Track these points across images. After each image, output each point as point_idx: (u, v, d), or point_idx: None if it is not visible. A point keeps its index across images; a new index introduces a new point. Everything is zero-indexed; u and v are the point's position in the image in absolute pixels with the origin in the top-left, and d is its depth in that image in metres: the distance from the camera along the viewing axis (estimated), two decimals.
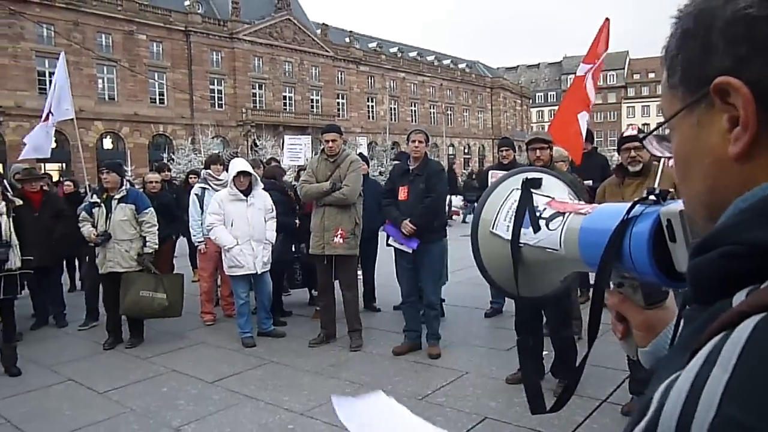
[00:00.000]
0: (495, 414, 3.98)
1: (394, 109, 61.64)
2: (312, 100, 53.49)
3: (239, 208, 5.89)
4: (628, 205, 0.74)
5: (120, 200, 5.93)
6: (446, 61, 73.73)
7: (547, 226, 0.90)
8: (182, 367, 5.26)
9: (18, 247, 5.21)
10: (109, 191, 5.98)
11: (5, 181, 6.51)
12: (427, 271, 5.31)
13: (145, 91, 42.04)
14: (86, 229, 5.92)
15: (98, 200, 5.99)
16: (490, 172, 6.29)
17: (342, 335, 5.84)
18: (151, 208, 6.14)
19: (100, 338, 6.24)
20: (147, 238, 6.00)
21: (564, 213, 0.89)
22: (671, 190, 0.73)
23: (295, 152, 9.81)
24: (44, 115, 7.77)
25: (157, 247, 6.13)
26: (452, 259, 6.49)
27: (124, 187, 6.03)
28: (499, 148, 6.51)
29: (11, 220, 5.19)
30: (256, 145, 38.95)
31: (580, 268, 0.89)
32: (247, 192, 5.91)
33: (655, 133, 0.69)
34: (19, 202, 5.49)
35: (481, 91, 75.23)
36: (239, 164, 6.05)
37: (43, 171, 8.01)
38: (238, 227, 5.84)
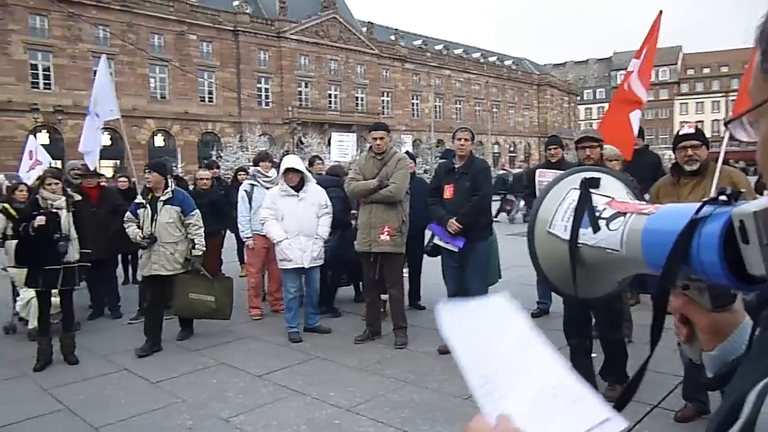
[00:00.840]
0: None
1: (439, 106, 61.38)
2: (357, 98, 53.77)
3: (290, 203, 5.98)
4: (695, 205, 0.72)
5: (166, 202, 5.82)
6: (492, 58, 72.95)
7: (607, 226, 0.89)
8: (231, 360, 5.38)
9: (77, 240, 5.42)
10: (153, 192, 5.87)
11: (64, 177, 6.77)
12: (473, 270, 5.28)
13: (195, 89, 43.08)
14: (131, 231, 5.81)
15: (143, 201, 5.88)
16: (537, 171, 6.21)
17: (387, 332, 5.87)
18: (197, 210, 6.01)
19: None
20: (195, 241, 5.89)
21: (625, 213, 0.88)
22: (743, 190, 0.71)
23: (343, 149, 9.89)
24: (90, 115, 7.93)
25: (205, 249, 6.02)
26: (501, 257, 6.43)
27: (169, 188, 5.92)
28: (546, 146, 6.41)
29: (71, 214, 5.41)
30: (302, 143, 39.40)
31: (641, 269, 0.88)
32: (298, 188, 6.00)
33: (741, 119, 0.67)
34: (77, 197, 5.71)
35: (528, 89, 74.16)
36: (288, 161, 6.15)
37: (98, 168, 8.35)
38: (288, 222, 5.94)
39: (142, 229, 5.77)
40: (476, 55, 70.86)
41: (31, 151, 8.58)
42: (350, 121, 48.53)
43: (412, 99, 59.25)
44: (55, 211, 5.27)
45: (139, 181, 7.92)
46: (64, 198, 5.40)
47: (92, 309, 7.09)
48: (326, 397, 4.42)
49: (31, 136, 8.99)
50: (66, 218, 5.34)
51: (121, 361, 5.44)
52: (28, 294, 6.02)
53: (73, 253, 5.37)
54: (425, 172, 22.50)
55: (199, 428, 3.96)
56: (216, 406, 4.32)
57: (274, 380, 4.83)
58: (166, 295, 5.90)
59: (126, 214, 5.93)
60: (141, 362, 5.40)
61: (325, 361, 5.31)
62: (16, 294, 6.41)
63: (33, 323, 5.89)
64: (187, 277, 5.86)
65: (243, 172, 9.30)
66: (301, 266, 5.95)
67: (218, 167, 9.43)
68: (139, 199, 5.99)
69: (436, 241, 5.43)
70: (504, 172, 18.12)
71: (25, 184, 6.67)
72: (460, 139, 5.28)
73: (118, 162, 35.33)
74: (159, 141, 41.70)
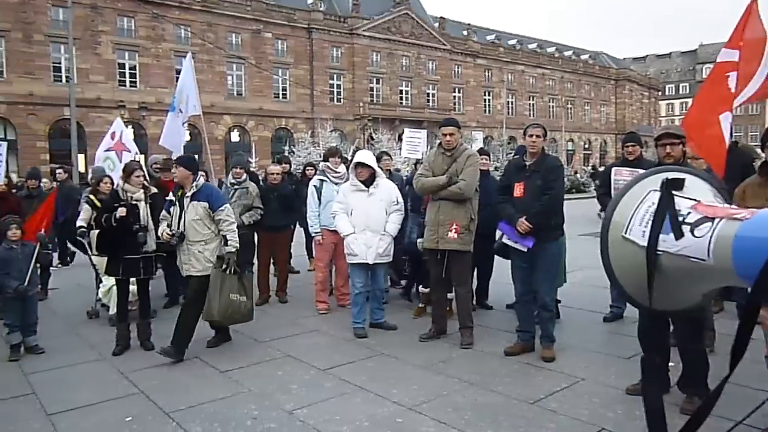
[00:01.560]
0: (613, 425, 3.76)
1: (512, 102, 60.25)
2: (428, 94, 53.57)
3: (359, 198, 6.00)
4: None
5: (192, 197, 5.43)
6: (568, 53, 70.88)
7: (691, 232, 0.80)
8: (297, 353, 5.45)
9: (154, 231, 5.64)
10: (183, 188, 5.55)
11: (144, 170, 7.06)
12: (543, 271, 5.11)
13: (270, 86, 44.22)
14: (161, 229, 5.52)
15: (173, 198, 5.61)
16: (613, 169, 5.94)
17: (453, 331, 5.79)
18: (227, 205, 5.58)
19: None
20: (227, 237, 5.42)
21: (713, 218, 0.79)
22: None
23: (414, 145, 9.85)
24: (174, 111, 8.20)
25: (238, 246, 5.49)
26: (568, 258, 6.22)
27: (194, 183, 5.46)
28: (624, 143, 6.11)
29: (148, 206, 5.64)
30: (372, 139, 39.65)
31: (730, 281, 0.78)
32: (368, 183, 6.01)
33: None
34: (154, 190, 5.94)
35: (605, 84, 71.60)
36: (359, 156, 6.16)
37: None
38: (357, 216, 5.97)
39: (170, 227, 5.46)
40: (551, 49, 69.08)
41: (114, 132, 8.84)
42: (421, 117, 48.41)
43: (484, 95, 58.44)
44: (134, 202, 5.50)
45: (215, 176, 8.16)
46: (142, 191, 5.64)
47: (167, 298, 7.37)
48: (389, 394, 4.40)
49: (119, 119, 9.26)
50: (144, 210, 5.57)
51: (193, 349, 5.61)
52: (109, 281, 6.32)
53: (151, 243, 5.60)
54: (496, 169, 22.15)
55: (263, 419, 4.02)
56: (281, 398, 4.38)
57: (338, 375, 4.85)
58: (201, 296, 5.42)
59: (162, 213, 5.68)
60: (211, 351, 5.56)
61: (389, 357, 5.30)
62: (99, 281, 6.75)
63: (113, 309, 6.19)
64: (223, 275, 5.33)
65: (311, 168, 9.44)
66: (365, 262, 5.95)
67: (289, 162, 9.59)
68: (170, 196, 5.71)
69: (505, 240, 5.30)
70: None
71: (109, 177, 7.00)
72: (531, 136, 5.11)
73: (196, 156, 36.73)
74: (235, 136, 43.07)
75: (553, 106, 64.38)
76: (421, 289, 6.92)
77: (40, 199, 7.54)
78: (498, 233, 5.54)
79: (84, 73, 34.98)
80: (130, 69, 38.18)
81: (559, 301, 6.17)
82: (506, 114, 54.67)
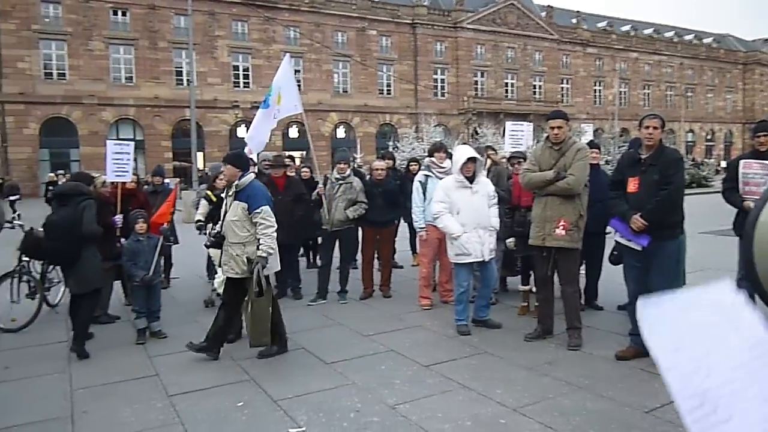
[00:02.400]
0: None
1: (624, 92, 57.27)
2: (534, 86, 52.14)
3: (465, 195, 5.86)
4: None
5: (235, 197, 5.24)
6: (688, 37, 66.10)
7: None
8: (400, 348, 5.48)
9: None
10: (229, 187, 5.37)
11: (257, 167, 7.38)
12: (659, 272, 4.78)
13: (374, 83, 44.93)
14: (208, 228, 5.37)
15: (223, 197, 5.45)
16: (741, 162, 5.45)
17: (559, 332, 5.58)
18: (266, 207, 5.19)
19: (329, 313, 6.81)
20: (261, 241, 5.12)
21: None
22: None
23: (517, 139, 9.59)
24: (267, 108, 8.28)
25: (271, 251, 5.18)
26: (688, 258, 5.79)
27: (236, 182, 5.22)
28: (754, 133, 5.59)
29: None
30: (477, 133, 39.14)
31: None
32: (471, 179, 5.92)
33: None
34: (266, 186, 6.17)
35: (731, 69, 66.25)
36: (468, 151, 6.05)
37: (288, 157, 8.91)
38: (465, 214, 5.82)
39: (213, 227, 5.29)
40: (669, 34, 64.73)
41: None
42: (527, 110, 47.19)
43: (594, 85, 55.98)
44: None
45: (321, 171, 8.36)
46: None
47: (277, 290, 7.65)
48: (493, 394, 4.31)
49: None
50: None
51: (300, 340, 5.81)
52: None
53: None
54: (607, 163, 21.11)
55: (366, 412, 4.07)
56: (383, 392, 4.42)
57: (440, 372, 4.83)
58: (239, 299, 5.36)
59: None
60: (317, 343, 5.71)
61: (493, 356, 5.19)
62: (214, 272, 7.14)
63: None
64: (260, 300, 5.06)
65: (415, 163, 9.44)
66: (481, 259, 5.86)
67: (393, 158, 9.66)
68: (224, 194, 5.56)
69: (617, 238, 5.02)
70: None
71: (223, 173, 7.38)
72: (648, 127, 4.79)
73: (304, 153, 37.99)
74: (340, 133, 44.20)
75: (670, 95, 60.46)
76: (520, 287, 6.73)
77: (164, 195, 8.07)
78: (609, 230, 5.27)
79: (203, 76, 37.26)
80: (243, 71, 40.27)
81: None
82: (618, 105, 51.92)
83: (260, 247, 5.11)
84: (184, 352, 5.47)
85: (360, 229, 7.54)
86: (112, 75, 36.80)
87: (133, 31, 37.12)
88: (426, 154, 8.80)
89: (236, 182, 5.19)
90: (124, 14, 36.99)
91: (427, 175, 6.96)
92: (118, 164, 7.20)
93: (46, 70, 35.24)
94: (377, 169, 7.55)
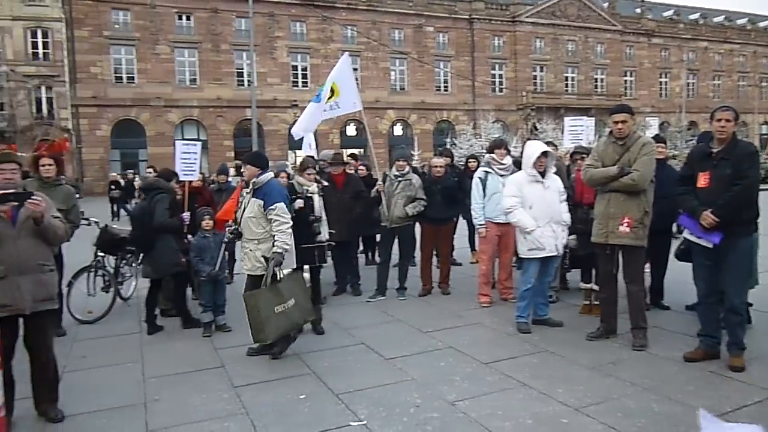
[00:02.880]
0: None
1: (692, 84, 54.93)
2: (596, 80, 50.76)
3: (537, 190, 5.79)
4: None
5: (253, 194, 5.28)
6: (763, 23, 62.62)
7: None
8: (459, 345, 5.47)
9: (326, 222, 5.97)
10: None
11: (318, 165, 7.48)
12: (732, 270, 4.58)
13: (431, 80, 44.80)
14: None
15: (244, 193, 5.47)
16: None
17: (623, 331, 5.44)
18: (281, 204, 5.18)
19: (388, 310, 6.87)
20: (276, 238, 5.11)
21: None
22: None
23: (576, 134, 9.38)
24: (319, 102, 8.30)
25: (287, 247, 5.15)
26: (761, 256, 5.53)
27: (254, 179, 5.25)
28: None
29: (321, 198, 5.99)
30: (536, 129, 38.46)
31: None
32: (542, 174, 5.84)
33: None
34: (326, 183, 6.29)
35: None
36: (541, 145, 5.98)
37: (351, 155, 8.99)
38: (538, 209, 5.75)
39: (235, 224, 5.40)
40: (742, 21, 61.56)
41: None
42: (588, 104, 46.01)
43: (660, 77, 53.95)
44: (309, 195, 5.88)
45: (378, 168, 8.41)
46: (316, 184, 6.00)
47: (336, 285, 7.79)
48: (554, 393, 4.25)
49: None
50: (318, 202, 5.93)
51: (359, 335, 5.89)
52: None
53: (324, 233, 5.94)
54: (674, 157, 20.35)
55: (426, 408, 4.10)
56: (443, 389, 4.43)
57: (500, 369, 4.79)
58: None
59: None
60: (376, 339, 5.77)
61: (554, 355, 5.12)
62: None
63: None
64: (262, 292, 5.06)
65: (474, 160, 9.37)
66: (555, 254, 5.82)
67: (451, 155, 9.62)
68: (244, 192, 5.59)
69: (687, 235, 4.84)
70: None
71: (286, 171, 7.56)
72: (720, 120, 4.60)
73: (361, 150, 38.31)
74: (398, 130, 44.31)
75: (743, 86, 57.59)
76: (581, 284, 6.59)
77: (228, 193, 8.32)
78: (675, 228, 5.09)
79: (262, 76, 38.11)
80: (302, 70, 40.93)
81: (750, 305, 5.51)
82: (686, 97, 49.88)
83: (275, 243, 5.11)
84: (247, 346, 5.64)
85: (419, 225, 7.56)
86: (177, 77, 38.17)
87: (196, 34, 38.36)
88: (484, 150, 8.72)
89: (254, 180, 5.25)
90: (188, 18, 38.27)
91: (487, 172, 6.91)
92: (185, 163, 7.47)
93: (117, 74, 36.94)
94: (436, 166, 7.54)
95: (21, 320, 3.99)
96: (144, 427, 3.97)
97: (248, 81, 33.44)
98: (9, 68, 31.17)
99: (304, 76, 41.03)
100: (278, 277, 5.10)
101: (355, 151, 36.59)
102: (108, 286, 7.11)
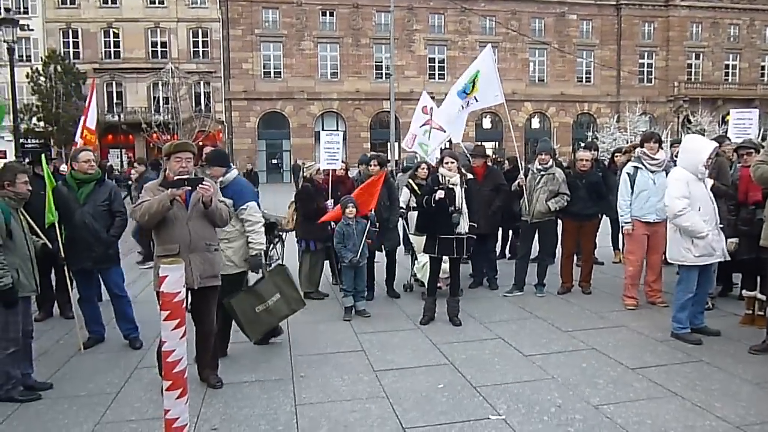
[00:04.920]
0: None
1: None
2: (762, 67, 45.74)
3: (702, 189, 5.31)
4: None
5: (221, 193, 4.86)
6: None
7: None
8: (602, 347, 5.24)
9: (467, 215, 5.95)
10: None
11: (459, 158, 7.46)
12: None
13: (573, 70, 42.97)
14: None
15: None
16: None
17: None
18: (253, 203, 5.04)
19: (526, 306, 6.73)
20: (249, 239, 4.95)
21: None
22: None
23: (743, 128, 8.52)
24: (462, 98, 8.16)
25: (263, 247, 5.06)
26: None
27: (221, 178, 4.94)
28: None
29: (463, 190, 5.97)
30: (689, 122, 35.56)
31: None
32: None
33: None
34: (470, 176, 6.27)
35: None
36: (710, 142, 5.45)
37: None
38: (707, 212, 5.26)
39: None
40: None
41: (425, 107, 8.99)
42: (752, 95, 41.77)
43: None
44: (451, 186, 5.89)
45: (508, 162, 8.19)
46: (458, 176, 6.00)
47: (472, 278, 7.75)
48: (711, 407, 3.94)
49: (425, 93, 9.32)
50: (460, 194, 5.92)
51: (497, 329, 5.83)
52: (424, 258, 6.92)
53: (464, 225, 5.92)
54: None
55: (568, 409, 3.98)
56: (586, 391, 4.28)
57: (648, 376, 4.53)
58: (222, 295, 4.87)
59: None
60: (514, 334, 5.68)
61: (710, 366, 4.73)
62: (414, 258, 7.43)
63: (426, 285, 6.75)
64: (241, 296, 5.00)
65: (620, 154, 8.86)
66: (722, 259, 5.36)
67: (597, 149, 9.16)
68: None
69: None
70: None
71: (426, 163, 7.65)
72: None
73: (495, 144, 37.73)
74: (535, 123, 43.06)
75: None
76: (745, 292, 6.00)
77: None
78: None
79: (400, 69, 38.67)
80: (439, 62, 41.01)
81: None
82: None
83: (250, 245, 4.97)
84: (386, 332, 5.81)
85: (560, 221, 7.32)
86: (319, 71, 39.92)
87: (338, 30, 39.83)
88: (627, 145, 8.20)
89: (221, 179, 4.92)
90: (331, 14, 39.83)
91: (636, 167, 6.49)
92: (329, 152, 7.81)
93: (265, 70, 39.40)
94: (582, 160, 7.21)
95: (189, 293, 4.39)
96: (292, 401, 4.23)
97: (386, 74, 34.07)
98: (174, 66, 34.29)
99: (441, 69, 41.09)
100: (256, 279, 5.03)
101: (490, 144, 36.14)
102: None
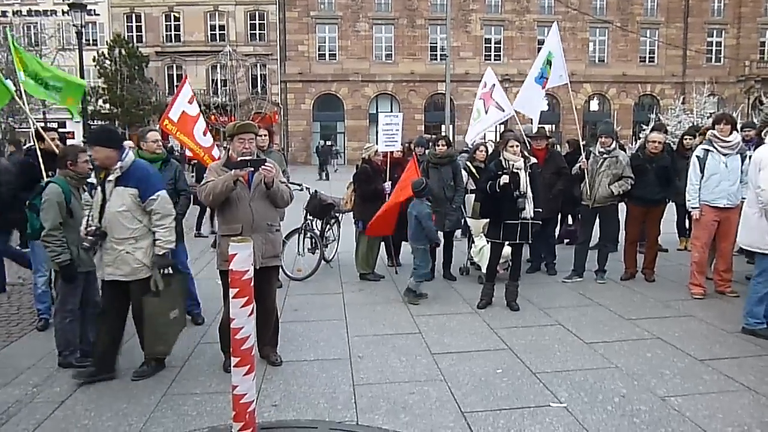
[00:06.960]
0: None
1: None
2: None
3: None
4: None
5: (117, 182, 4.17)
6: None
7: None
8: (668, 337, 5.06)
9: (533, 199, 5.81)
10: (106, 170, 4.22)
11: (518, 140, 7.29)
12: None
13: (635, 50, 41.25)
14: (82, 225, 4.31)
15: (94, 182, 4.42)
16: None
17: None
18: (164, 192, 4.30)
19: (586, 292, 6.57)
20: (157, 236, 4.22)
21: None
22: None
23: None
24: (540, 81, 7.93)
25: (172, 246, 4.29)
26: None
27: (119, 163, 4.16)
28: None
29: (528, 175, 5.82)
30: (761, 103, 33.73)
31: None
32: None
33: None
34: (534, 160, 6.11)
35: None
36: None
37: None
38: None
39: (89, 221, 4.27)
40: None
41: (485, 83, 8.64)
42: None
43: None
44: (516, 171, 5.76)
45: (568, 145, 7.93)
46: (522, 159, 5.86)
47: (530, 263, 7.61)
48: None
49: (489, 69, 8.90)
50: (524, 178, 5.78)
51: (556, 315, 5.72)
52: (481, 242, 6.84)
53: (529, 210, 5.79)
54: None
55: (632, 399, 3.86)
56: (651, 381, 4.14)
57: (719, 368, 4.35)
58: (124, 305, 4.39)
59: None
60: (575, 321, 5.56)
61: None
62: (471, 241, 7.35)
63: (484, 269, 6.67)
64: (154, 299, 4.24)
65: (690, 137, 8.48)
66: None
67: (667, 131, 8.78)
68: (92, 178, 4.56)
69: None
70: None
71: (485, 145, 7.54)
72: None
73: (552, 127, 36.76)
74: (594, 105, 41.72)
75: None
76: None
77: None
78: None
79: (456, 50, 38.05)
80: (495, 43, 40.17)
81: None
82: None
83: (157, 243, 4.22)
84: (443, 315, 5.78)
85: (623, 206, 7.08)
86: (374, 53, 39.72)
87: (393, 11, 39.46)
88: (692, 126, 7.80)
89: (120, 164, 4.16)
90: None
91: (707, 150, 6.18)
92: (387, 134, 7.76)
93: (320, 52, 39.51)
94: (653, 142, 6.91)
95: None
96: (350, 380, 4.27)
97: (442, 55, 33.66)
98: (231, 48, 34.87)
99: (497, 50, 40.23)
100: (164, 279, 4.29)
101: (548, 126, 35.28)
102: (314, 247, 7.71)
